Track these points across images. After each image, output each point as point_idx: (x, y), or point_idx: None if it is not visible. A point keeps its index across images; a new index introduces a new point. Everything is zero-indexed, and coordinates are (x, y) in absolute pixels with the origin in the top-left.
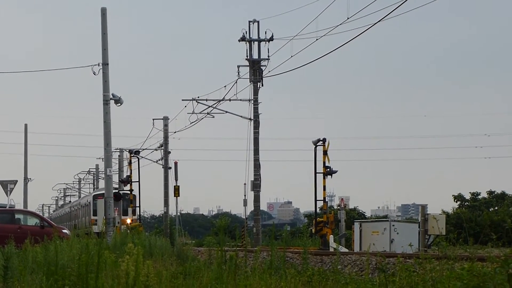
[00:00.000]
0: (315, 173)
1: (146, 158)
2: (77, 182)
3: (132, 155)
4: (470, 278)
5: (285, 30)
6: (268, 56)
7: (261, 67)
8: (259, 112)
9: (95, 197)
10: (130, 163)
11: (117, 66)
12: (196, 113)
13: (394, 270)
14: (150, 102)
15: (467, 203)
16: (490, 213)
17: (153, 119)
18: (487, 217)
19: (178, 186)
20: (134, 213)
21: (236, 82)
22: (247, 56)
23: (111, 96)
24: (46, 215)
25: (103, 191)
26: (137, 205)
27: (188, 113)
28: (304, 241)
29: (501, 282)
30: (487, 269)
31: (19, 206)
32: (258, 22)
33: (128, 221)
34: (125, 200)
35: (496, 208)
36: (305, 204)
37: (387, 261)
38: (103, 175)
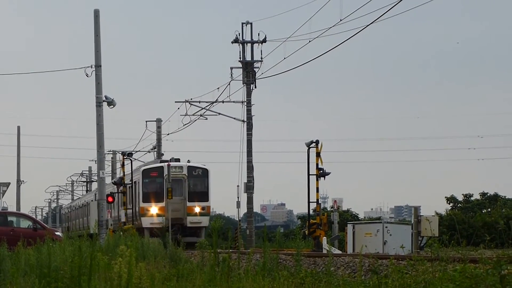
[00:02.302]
0: (308, 175)
1: (139, 160)
2: (70, 185)
3: (125, 157)
4: (462, 280)
5: (279, 32)
6: (261, 58)
7: (254, 69)
8: (252, 114)
9: (146, 174)
10: (123, 165)
11: (110, 67)
12: (189, 115)
13: (387, 272)
14: (144, 103)
15: (460, 204)
16: (483, 214)
17: (146, 121)
18: (479, 218)
19: (171, 188)
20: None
21: (229, 84)
22: (240, 58)
23: (104, 98)
24: (39, 218)
25: (156, 164)
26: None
27: (181, 115)
28: (297, 243)
29: (493, 283)
30: (480, 270)
31: (12, 208)
32: (251, 24)
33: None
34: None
35: (489, 209)
36: (299, 206)
37: (379, 263)
38: (96, 177)
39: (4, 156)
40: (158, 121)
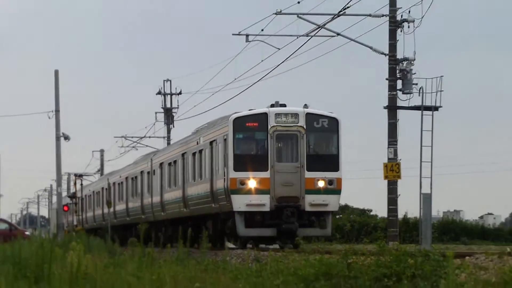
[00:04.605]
0: None
1: (87, 180)
2: (37, 197)
3: (76, 177)
4: (320, 266)
5: (192, 85)
6: (178, 105)
7: (173, 114)
8: None
9: (240, 124)
10: (75, 184)
11: (66, 109)
12: (124, 147)
13: (267, 261)
14: (91, 136)
15: None
16: (335, 219)
17: (93, 151)
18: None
19: (110, 200)
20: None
21: (154, 124)
22: (162, 105)
23: (61, 135)
24: (13, 221)
25: (254, 111)
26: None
27: (119, 147)
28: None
29: (342, 268)
30: (333, 259)
31: None
32: (170, 81)
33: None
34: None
35: (340, 215)
36: None
37: (262, 254)
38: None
39: None
40: (102, 151)
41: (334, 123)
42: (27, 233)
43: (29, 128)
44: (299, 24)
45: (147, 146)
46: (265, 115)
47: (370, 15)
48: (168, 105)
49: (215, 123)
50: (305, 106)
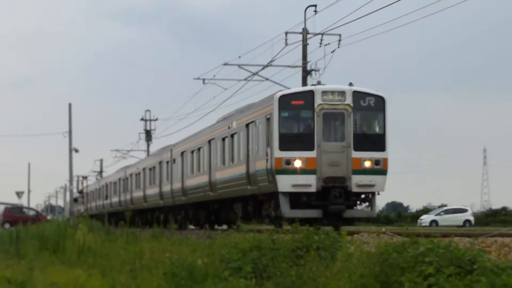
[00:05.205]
0: None
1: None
2: (55, 193)
3: (83, 178)
4: (253, 241)
5: (166, 113)
6: (155, 128)
7: (151, 134)
8: None
9: (286, 102)
10: (82, 183)
11: (74, 128)
12: (117, 157)
13: (216, 238)
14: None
15: None
16: None
17: (94, 160)
18: None
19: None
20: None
21: (138, 141)
22: (144, 128)
23: (73, 148)
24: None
25: (300, 88)
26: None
27: (113, 157)
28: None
29: (269, 243)
30: (263, 236)
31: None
32: (150, 111)
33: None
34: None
35: None
36: None
37: (212, 233)
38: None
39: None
40: (101, 160)
41: (380, 101)
42: (48, 218)
43: (50, 143)
44: (240, 72)
45: (133, 156)
46: (311, 93)
47: (289, 66)
48: (148, 128)
49: (251, 106)
50: (350, 84)
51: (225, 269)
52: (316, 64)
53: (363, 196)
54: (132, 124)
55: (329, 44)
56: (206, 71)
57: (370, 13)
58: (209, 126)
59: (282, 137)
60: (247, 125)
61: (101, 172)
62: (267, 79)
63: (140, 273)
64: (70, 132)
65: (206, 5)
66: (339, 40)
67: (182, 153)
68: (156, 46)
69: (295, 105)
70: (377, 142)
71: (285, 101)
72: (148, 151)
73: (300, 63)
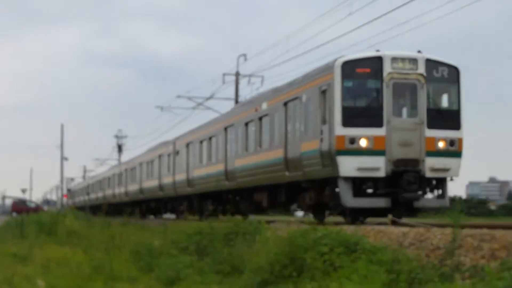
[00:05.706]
0: None
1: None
2: (50, 190)
3: (71, 179)
4: (197, 227)
5: (134, 130)
6: (125, 143)
7: (121, 148)
8: None
9: (350, 69)
10: (69, 183)
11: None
12: (98, 163)
13: (169, 225)
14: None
15: None
16: None
17: (82, 165)
18: None
19: (89, 192)
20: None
21: (112, 153)
22: (117, 143)
23: (64, 157)
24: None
25: (366, 54)
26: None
27: (95, 163)
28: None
29: (208, 229)
30: (204, 223)
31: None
32: (121, 129)
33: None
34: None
35: None
36: None
37: (167, 221)
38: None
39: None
40: (84, 166)
41: (454, 72)
42: (45, 209)
43: (47, 153)
44: (190, 102)
45: (109, 164)
46: (379, 60)
47: (227, 98)
48: (120, 143)
49: (287, 85)
50: (419, 52)
51: (175, 249)
52: (245, 98)
53: (434, 182)
54: (108, 139)
55: (254, 83)
56: (164, 101)
57: (287, 61)
58: (222, 114)
59: (345, 110)
60: (285, 104)
61: (84, 175)
62: (209, 108)
63: (112, 250)
64: (61, 144)
65: (166, 51)
66: (262, 80)
67: (188, 144)
68: (127, 81)
69: (360, 74)
70: (452, 119)
71: (349, 68)
72: (119, 160)
73: (233, 96)
